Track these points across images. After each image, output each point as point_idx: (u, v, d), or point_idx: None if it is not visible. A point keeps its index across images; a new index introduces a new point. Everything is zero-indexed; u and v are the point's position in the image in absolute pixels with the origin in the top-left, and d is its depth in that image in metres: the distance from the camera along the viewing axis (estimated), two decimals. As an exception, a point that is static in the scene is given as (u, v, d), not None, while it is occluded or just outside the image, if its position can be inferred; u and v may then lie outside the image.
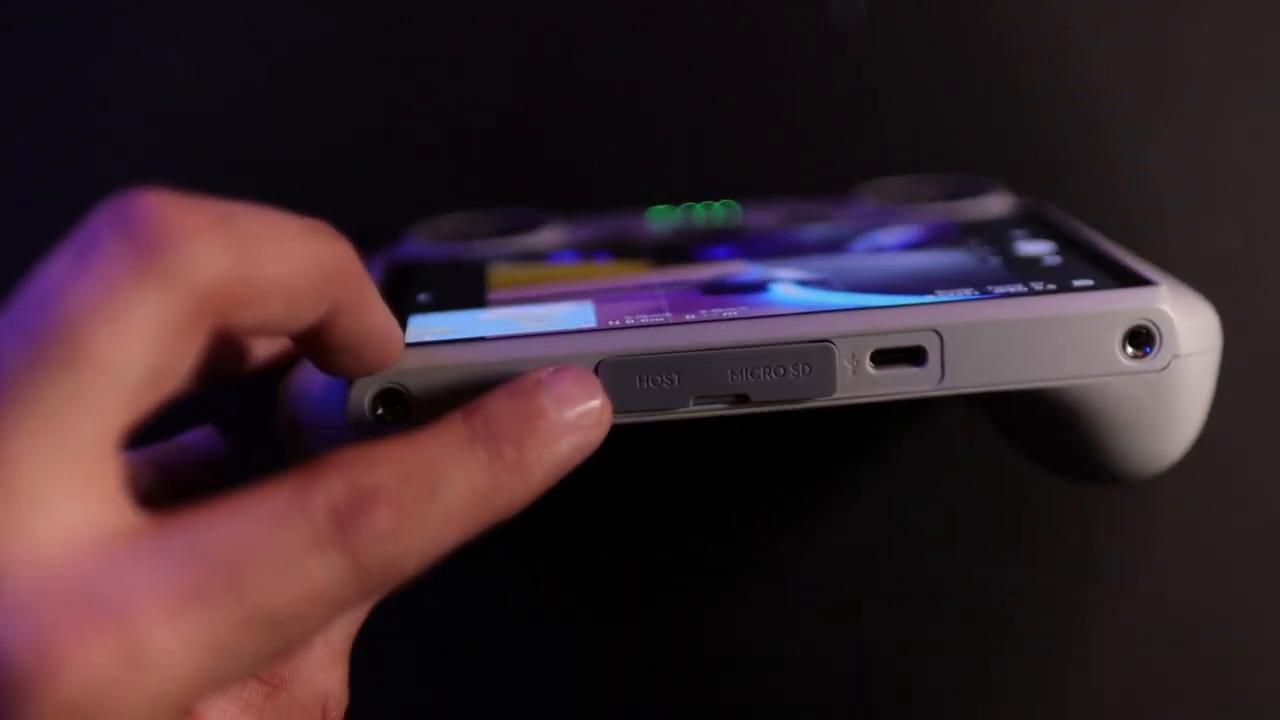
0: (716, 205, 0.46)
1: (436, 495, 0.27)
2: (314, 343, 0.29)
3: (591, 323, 0.33)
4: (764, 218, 0.44)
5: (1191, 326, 0.33)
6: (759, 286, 0.35)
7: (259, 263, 0.25)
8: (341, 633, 0.33)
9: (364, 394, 0.32)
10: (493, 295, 0.37)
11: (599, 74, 0.49)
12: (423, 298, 0.37)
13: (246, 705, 0.31)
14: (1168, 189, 0.48)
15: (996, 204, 0.43)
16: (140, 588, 0.23)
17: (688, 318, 0.33)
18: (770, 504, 0.50)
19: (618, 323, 0.33)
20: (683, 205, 0.46)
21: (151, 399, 0.25)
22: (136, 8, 0.48)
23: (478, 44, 0.48)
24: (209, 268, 0.24)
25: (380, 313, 0.30)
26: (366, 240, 0.43)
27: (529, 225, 0.44)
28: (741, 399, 0.32)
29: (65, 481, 0.24)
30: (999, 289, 0.34)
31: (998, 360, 0.32)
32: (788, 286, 0.35)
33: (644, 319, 0.33)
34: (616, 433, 0.32)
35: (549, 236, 0.43)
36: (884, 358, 0.32)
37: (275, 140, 0.48)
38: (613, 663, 0.51)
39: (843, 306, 0.33)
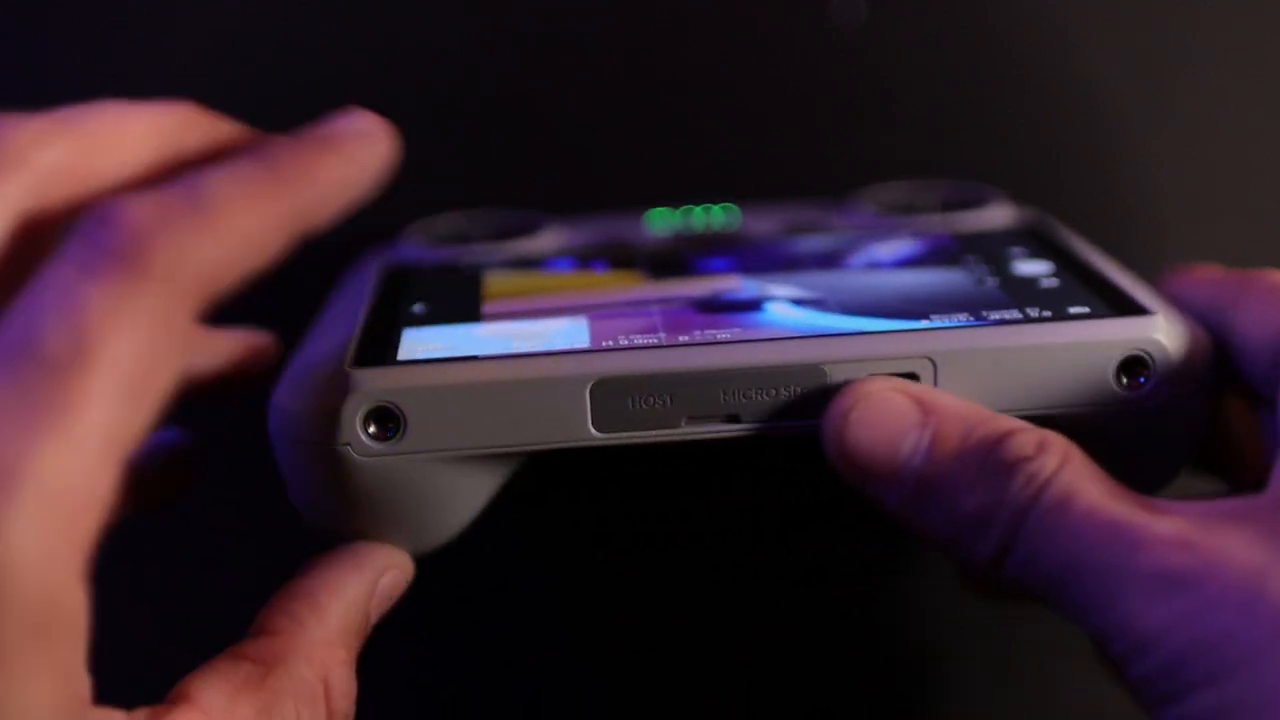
0: (716, 209, 0.46)
1: (200, 186, 0.25)
2: None
3: (585, 342, 0.33)
4: (762, 224, 0.44)
5: (1187, 357, 0.32)
6: (754, 305, 0.35)
7: (227, 237, 0.25)
8: (340, 619, 0.33)
9: (355, 412, 0.32)
10: (487, 308, 0.37)
11: (599, 74, 0.48)
12: (417, 309, 0.37)
13: (243, 683, 0.30)
14: (1168, 189, 0.48)
15: (997, 215, 0.43)
16: None
17: (681, 339, 0.33)
18: (777, 521, 0.50)
19: (611, 343, 0.33)
20: (682, 208, 0.46)
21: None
22: (136, 7, 0.48)
23: (477, 44, 0.48)
24: (187, 258, 0.24)
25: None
26: (365, 238, 0.44)
27: (527, 228, 0.44)
28: (733, 419, 0.32)
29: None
30: (994, 315, 0.33)
31: (991, 387, 0.32)
32: (782, 306, 0.35)
33: (637, 339, 0.33)
34: (614, 456, 0.32)
35: (547, 240, 0.43)
36: None
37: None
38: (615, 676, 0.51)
39: (837, 331, 0.33)
